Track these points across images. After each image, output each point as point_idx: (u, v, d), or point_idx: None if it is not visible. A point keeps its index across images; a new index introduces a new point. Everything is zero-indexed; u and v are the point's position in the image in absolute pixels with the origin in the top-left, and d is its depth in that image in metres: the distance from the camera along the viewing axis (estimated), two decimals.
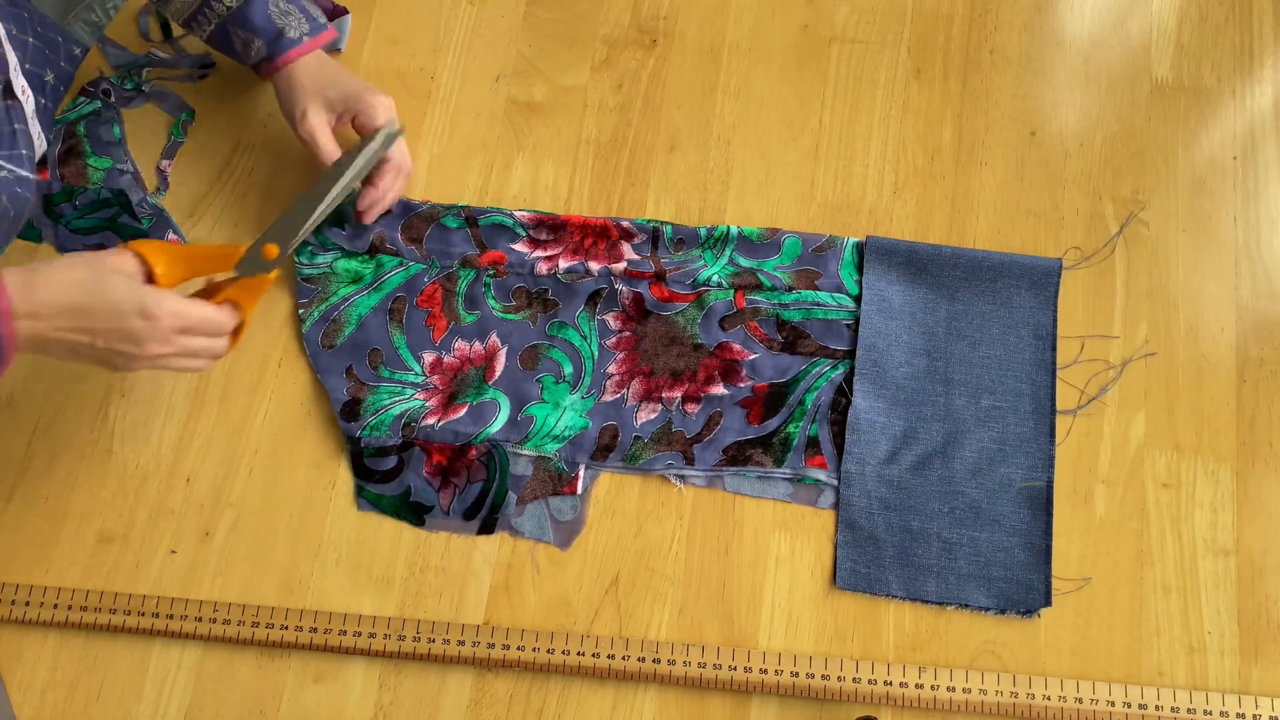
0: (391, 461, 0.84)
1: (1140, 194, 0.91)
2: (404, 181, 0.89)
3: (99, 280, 0.68)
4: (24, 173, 0.75)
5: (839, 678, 0.79)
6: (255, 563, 0.83)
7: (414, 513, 0.83)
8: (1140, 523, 0.82)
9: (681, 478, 0.84)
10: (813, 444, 0.84)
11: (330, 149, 0.85)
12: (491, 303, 0.88)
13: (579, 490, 0.83)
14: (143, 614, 0.81)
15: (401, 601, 0.82)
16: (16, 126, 0.75)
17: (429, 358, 0.87)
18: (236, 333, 0.76)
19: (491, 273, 0.89)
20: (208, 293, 0.77)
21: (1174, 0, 0.97)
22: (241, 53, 0.87)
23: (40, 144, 0.82)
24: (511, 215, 0.90)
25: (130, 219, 0.90)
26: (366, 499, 0.84)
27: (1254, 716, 0.77)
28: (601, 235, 0.90)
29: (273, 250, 0.77)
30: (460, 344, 0.87)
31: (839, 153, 0.93)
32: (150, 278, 0.72)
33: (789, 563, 0.82)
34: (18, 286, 0.65)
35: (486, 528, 0.83)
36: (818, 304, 0.87)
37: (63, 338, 0.68)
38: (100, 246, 0.89)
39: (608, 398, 0.86)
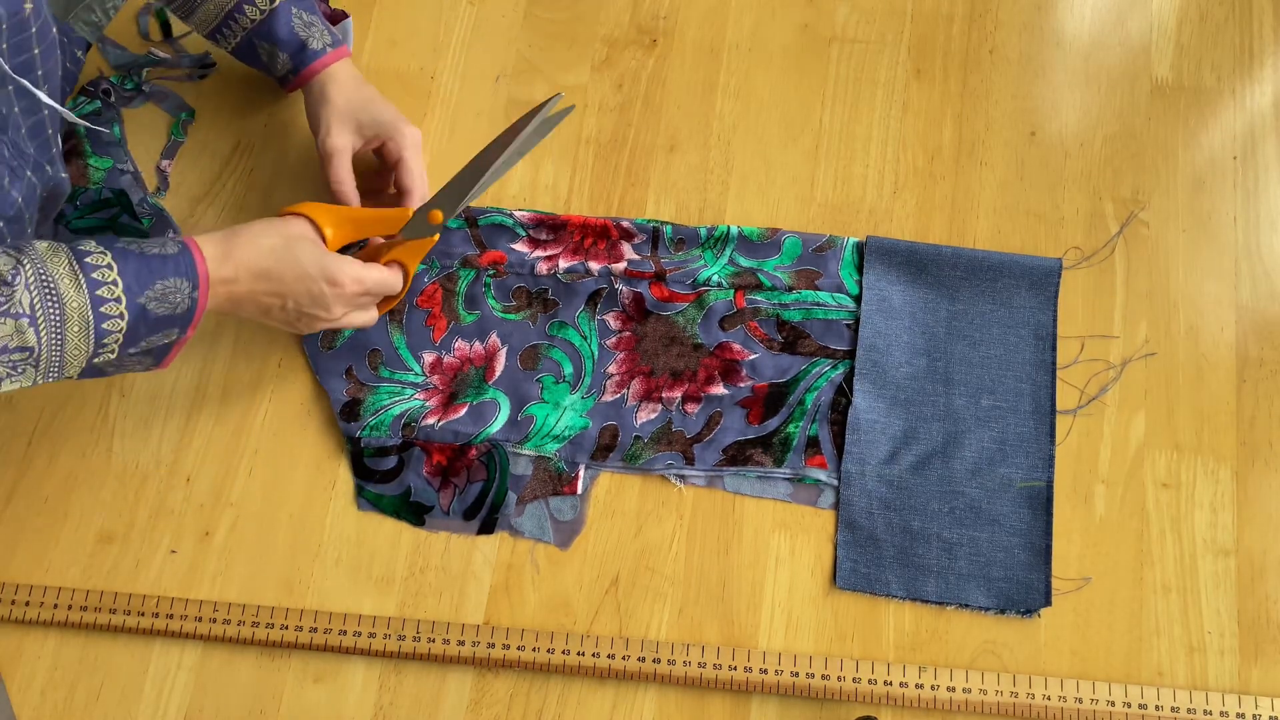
0: (391, 461, 0.84)
1: (1140, 194, 0.91)
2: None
3: (288, 248, 0.74)
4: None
5: (839, 678, 0.79)
6: (255, 563, 0.83)
7: (414, 513, 0.83)
8: (1140, 523, 0.82)
9: (681, 478, 0.84)
10: (813, 444, 0.84)
11: (343, 173, 0.84)
12: (491, 303, 0.88)
13: (579, 490, 0.83)
14: (143, 614, 0.81)
15: (401, 601, 0.82)
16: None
17: (429, 358, 0.87)
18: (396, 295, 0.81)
19: (491, 273, 0.89)
20: (369, 252, 0.80)
21: (1174, 0, 0.97)
22: (268, 64, 0.87)
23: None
24: (511, 215, 0.90)
25: (130, 219, 0.90)
26: (366, 499, 0.84)
27: (1254, 716, 0.77)
28: (601, 235, 0.90)
29: (438, 216, 0.79)
30: (460, 344, 0.87)
31: (839, 153, 0.93)
32: (322, 239, 0.77)
33: (789, 563, 0.82)
34: (214, 255, 0.71)
35: (486, 528, 0.83)
36: (818, 304, 0.87)
37: (257, 299, 0.74)
38: None
39: (608, 398, 0.86)
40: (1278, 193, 0.91)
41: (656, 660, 0.79)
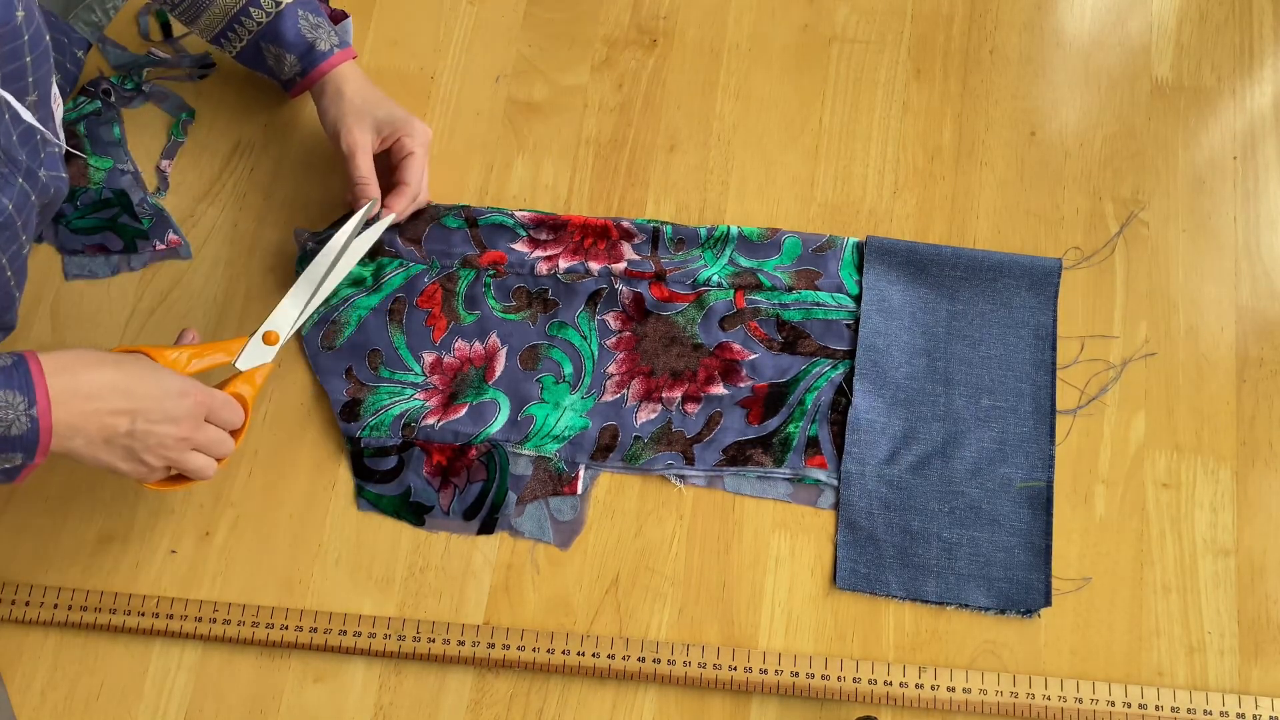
0: (391, 462, 0.84)
1: (1140, 194, 0.91)
2: (414, 208, 0.88)
3: (136, 361, 0.69)
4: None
5: (839, 678, 0.79)
6: (255, 563, 0.83)
7: (414, 513, 0.83)
8: (1140, 523, 0.82)
9: (681, 478, 0.84)
10: (812, 444, 0.84)
11: (366, 169, 0.84)
12: (491, 303, 0.88)
13: (579, 490, 0.83)
14: (143, 614, 0.81)
15: (401, 601, 0.82)
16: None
17: (429, 358, 0.87)
18: (238, 431, 0.76)
19: (491, 273, 0.89)
20: None
21: (1174, 0, 0.97)
22: (274, 68, 0.87)
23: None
24: (512, 215, 0.90)
25: (130, 219, 0.90)
26: (366, 499, 0.84)
27: (1254, 716, 0.77)
28: (601, 235, 0.90)
29: (274, 337, 0.79)
30: (460, 344, 0.87)
31: (839, 153, 0.93)
32: None
33: (789, 563, 0.82)
34: (55, 368, 0.64)
35: (486, 528, 0.83)
36: (818, 304, 0.87)
37: (102, 418, 0.66)
38: (101, 247, 0.90)
39: (608, 398, 0.86)
40: (1278, 193, 0.91)
41: (656, 660, 0.79)
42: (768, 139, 0.93)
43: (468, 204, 0.91)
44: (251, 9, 0.84)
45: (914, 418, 0.85)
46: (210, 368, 0.76)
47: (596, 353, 0.87)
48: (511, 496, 0.83)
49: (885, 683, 0.78)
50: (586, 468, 0.84)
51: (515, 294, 0.88)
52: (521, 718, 0.79)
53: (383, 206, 0.85)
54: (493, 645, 0.80)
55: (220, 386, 0.76)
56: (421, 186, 0.87)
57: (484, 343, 0.87)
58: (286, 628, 0.81)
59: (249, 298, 0.89)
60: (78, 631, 0.81)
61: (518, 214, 0.90)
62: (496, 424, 0.85)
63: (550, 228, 0.90)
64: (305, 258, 0.87)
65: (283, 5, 0.84)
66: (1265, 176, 0.91)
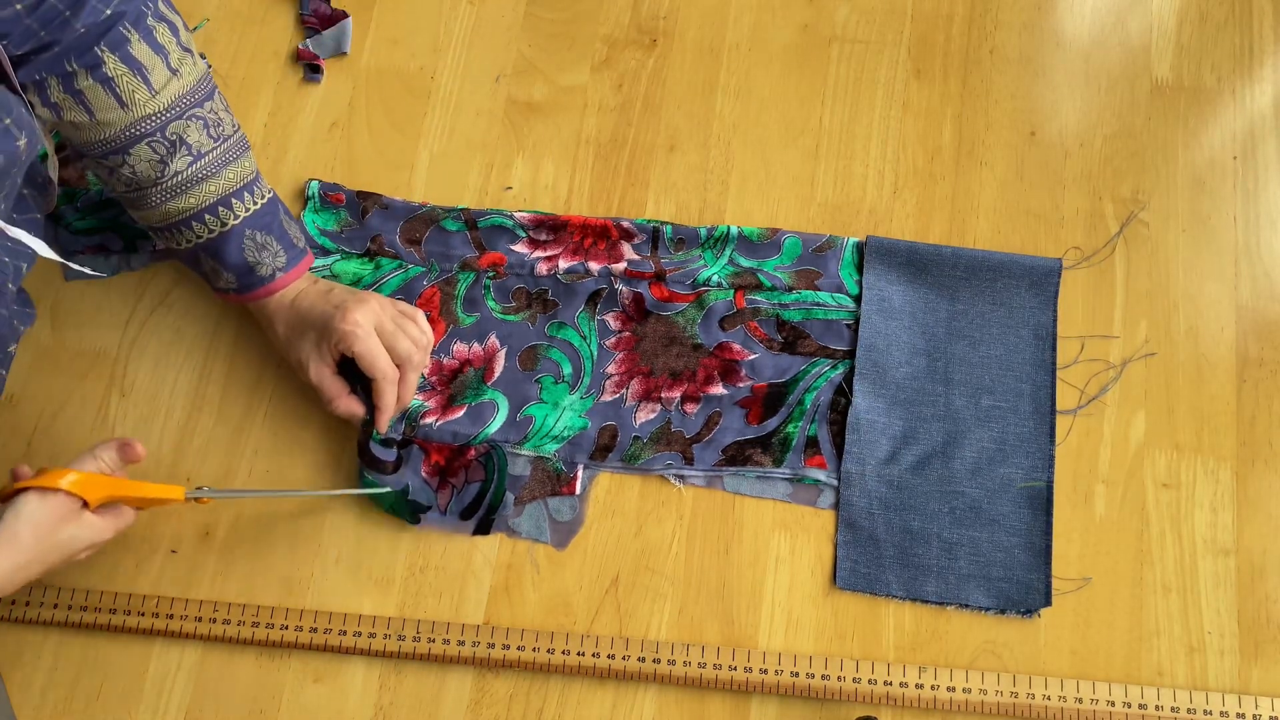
0: (393, 454, 0.83)
1: (1140, 194, 0.91)
2: (401, 408, 0.84)
3: (47, 562, 0.71)
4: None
5: (839, 678, 0.79)
6: (255, 563, 0.83)
7: (410, 511, 0.83)
8: (1140, 523, 0.82)
9: (681, 478, 0.84)
10: (812, 444, 0.84)
11: (341, 398, 0.81)
12: (491, 304, 0.88)
13: (578, 490, 0.83)
14: (143, 614, 0.81)
15: (401, 601, 0.82)
16: None
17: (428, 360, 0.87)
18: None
19: (491, 274, 0.89)
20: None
21: (1174, 0, 0.97)
22: (209, 275, 0.82)
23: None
24: (511, 216, 0.90)
25: (130, 220, 0.90)
26: (365, 484, 0.83)
27: (1254, 716, 0.77)
28: (601, 235, 0.90)
29: (206, 501, 0.78)
30: (459, 346, 0.87)
31: (839, 153, 0.93)
32: (84, 505, 0.72)
33: (789, 563, 0.82)
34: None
35: (483, 528, 0.83)
36: (818, 304, 0.87)
37: (22, 587, 0.72)
38: (101, 247, 0.89)
39: (606, 398, 0.86)
40: (1278, 193, 0.91)
41: (656, 660, 0.79)
42: (768, 139, 0.93)
43: (467, 205, 0.91)
44: (194, 222, 0.78)
45: (914, 418, 0.85)
46: (134, 504, 0.76)
47: (596, 353, 0.87)
48: (509, 497, 0.83)
49: (885, 683, 0.78)
50: (585, 468, 0.84)
51: (515, 295, 0.88)
52: (521, 718, 0.79)
53: (370, 423, 0.82)
54: (493, 645, 0.80)
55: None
56: (400, 398, 0.82)
57: (483, 344, 0.87)
58: (286, 628, 0.81)
59: None
60: (78, 631, 0.81)
61: (517, 215, 0.90)
62: (495, 424, 0.85)
63: (550, 228, 0.90)
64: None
65: (229, 226, 0.78)
66: (1265, 176, 0.91)
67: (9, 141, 0.63)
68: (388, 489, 0.81)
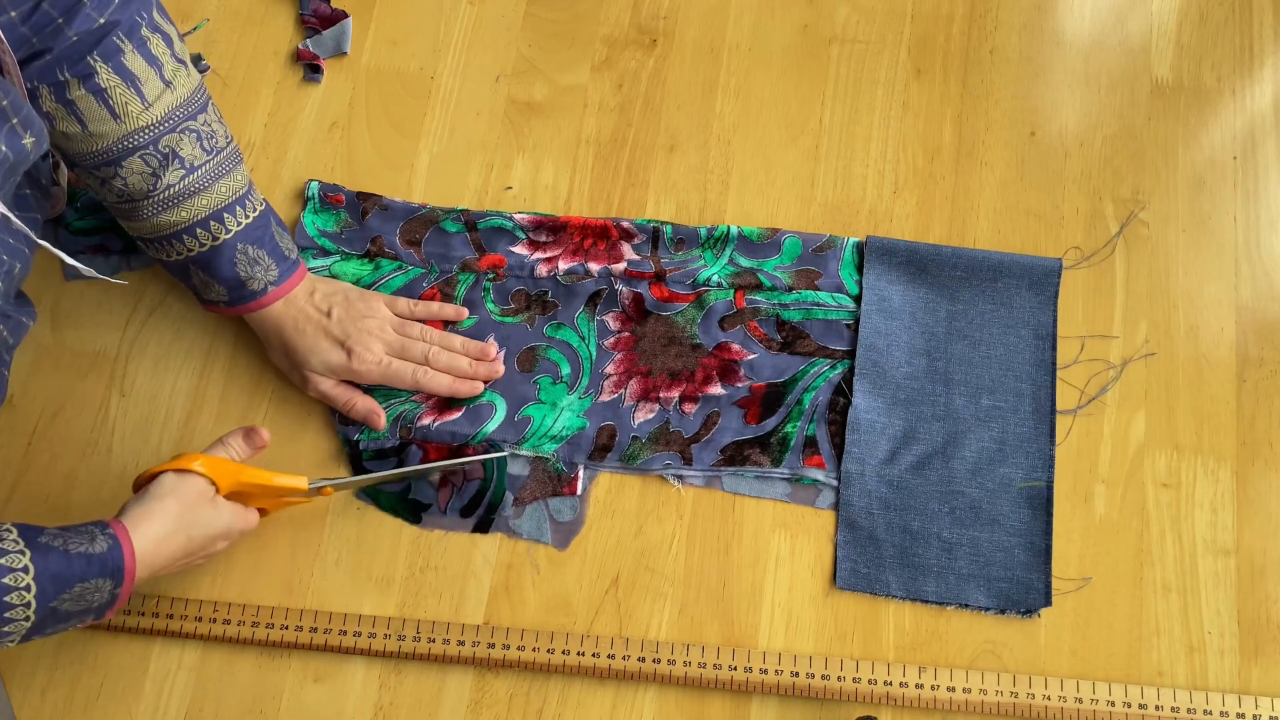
0: (390, 465, 0.84)
1: (1140, 194, 0.91)
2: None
3: (193, 528, 0.73)
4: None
5: (839, 678, 0.79)
6: (255, 563, 0.83)
7: (411, 510, 0.83)
8: (1140, 523, 0.82)
9: (679, 478, 0.84)
10: (810, 444, 0.84)
11: (348, 397, 0.83)
12: (490, 306, 0.88)
13: (578, 491, 0.83)
14: (143, 614, 0.81)
15: (401, 601, 0.82)
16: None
17: None
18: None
19: (491, 276, 0.89)
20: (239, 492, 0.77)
21: (1174, 0, 0.97)
22: (198, 288, 0.82)
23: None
24: (511, 218, 0.90)
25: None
26: (365, 492, 0.84)
27: (1254, 716, 0.77)
28: (601, 236, 0.90)
29: (329, 491, 0.80)
30: None
31: (839, 153, 0.93)
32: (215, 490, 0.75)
33: (789, 563, 0.82)
34: (142, 553, 0.70)
35: (482, 526, 0.83)
36: (818, 304, 0.87)
37: (162, 570, 0.73)
38: (101, 247, 0.89)
39: (605, 398, 0.86)
40: (1278, 193, 0.91)
41: (656, 660, 0.79)
42: (768, 139, 0.93)
43: (467, 207, 0.91)
44: (185, 236, 0.78)
45: (914, 418, 0.85)
46: (261, 501, 0.79)
47: (594, 353, 0.87)
48: (509, 496, 0.83)
49: (885, 683, 0.78)
50: (585, 468, 0.84)
51: (515, 297, 0.88)
52: (521, 718, 0.79)
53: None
54: (493, 645, 0.80)
55: (252, 495, 0.78)
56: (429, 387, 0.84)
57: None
58: (286, 628, 0.81)
59: None
60: (78, 631, 0.81)
61: (517, 217, 0.90)
62: (493, 424, 0.85)
63: (550, 229, 0.90)
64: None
65: (220, 240, 0.78)
66: (1265, 176, 0.91)
67: (15, 140, 0.63)
68: (505, 454, 0.83)
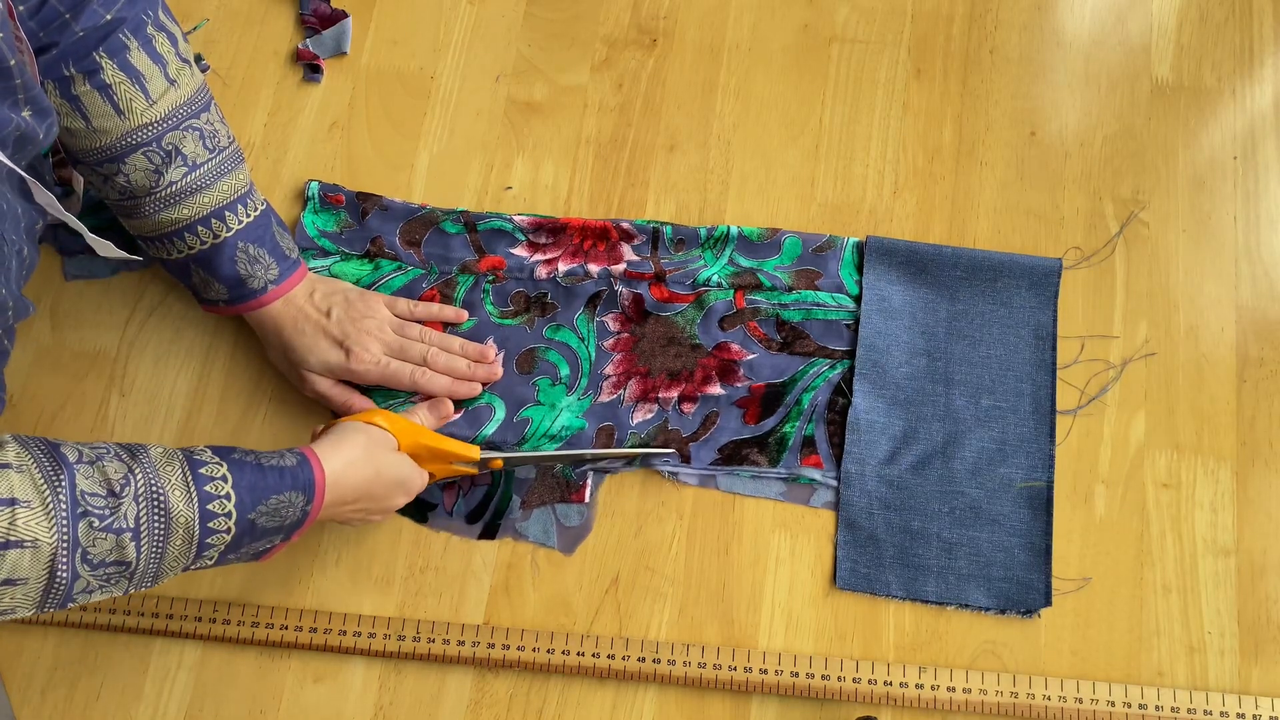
0: None
1: (1140, 194, 0.91)
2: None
3: (382, 470, 0.74)
4: None
5: (839, 678, 0.79)
6: (255, 563, 0.83)
7: (417, 509, 0.83)
8: (1140, 523, 0.82)
9: (675, 474, 0.84)
10: (808, 444, 0.84)
11: (346, 397, 0.83)
12: (489, 308, 0.88)
13: (586, 499, 0.83)
14: (143, 614, 0.81)
15: (401, 601, 0.82)
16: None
17: None
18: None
19: (490, 278, 0.89)
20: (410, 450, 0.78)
21: (1174, 0, 0.97)
22: (198, 287, 0.82)
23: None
24: (510, 220, 0.90)
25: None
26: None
27: (1254, 716, 0.77)
28: (601, 237, 0.90)
29: (498, 464, 0.81)
30: None
31: (839, 153, 0.93)
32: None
33: (789, 563, 0.82)
34: (331, 471, 0.71)
35: (489, 533, 0.83)
36: (818, 304, 0.87)
37: (344, 514, 0.74)
38: None
39: (604, 398, 0.86)
40: (1278, 193, 0.91)
41: (656, 660, 0.79)
42: (768, 139, 0.93)
43: (467, 208, 0.91)
44: (187, 234, 0.78)
45: (914, 418, 0.85)
46: (433, 466, 0.79)
47: (593, 354, 0.87)
48: (516, 501, 0.83)
49: (885, 683, 0.78)
50: (593, 473, 0.84)
51: (514, 299, 0.88)
52: (521, 718, 0.79)
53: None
54: (493, 645, 0.80)
55: (421, 457, 0.78)
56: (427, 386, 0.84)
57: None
58: (286, 628, 0.81)
59: None
60: (78, 631, 0.81)
61: (517, 218, 0.90)
62: (492, 425, 0.85)
63: (550, 231, 0.90)
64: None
65: (222, 238, 0.78)
66: (1265, 176, 0.91)
67: (26, 118, 0.64)
68: (670, 451, 0.83)
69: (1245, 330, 0.87)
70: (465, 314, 0.87)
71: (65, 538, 0.58)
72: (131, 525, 0.61)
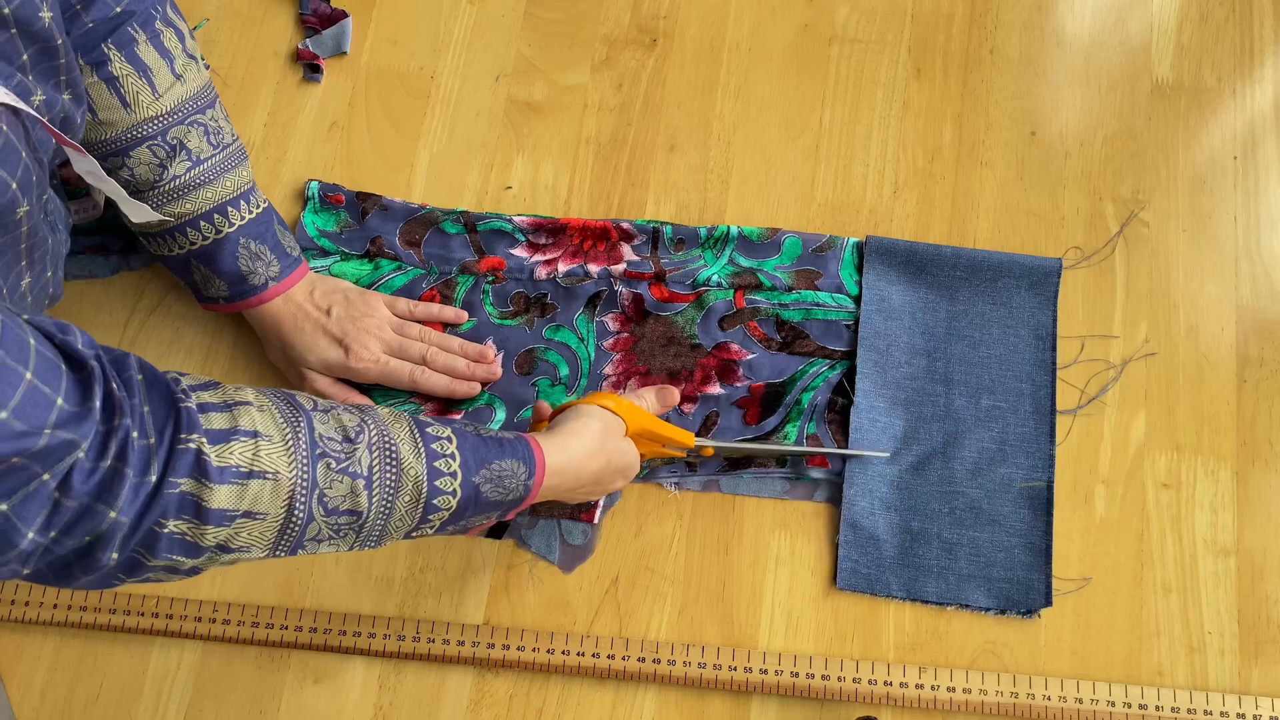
0: None
1: (1140, 194, 0.91)
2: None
3: (610, 456, 0.73)
4: None
5: (839, 678, 0.79)
6: (255, 563, 0.83)
7: None
8: (1140, 523, 0.82)
9: (677, 484, 0.84)
10: (811, 442, 0.84)
11: (340, 398, 0.82)
12: (489, 309, 0.88)
13: (596, 519, 0.83)
14: (143, 614, 0.81)
15: (401, 601, 0.82)
16: None
17: None
18: None
19: (490, 279, 0.89)
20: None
21: (1174, 0, 0.97)
22: (198, 284, 0.82)
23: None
24: (510, 220, 0.90)
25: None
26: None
27: (1254, 716, 0.77)
28: (601, 237, 0.90)
29: (709, 451, 0.81)
30: None
31: (839, 153, 0.93)
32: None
33: (789, 563, 0.82)
34: (551, 449, 0.69)
35: (495, 532, 0.83)
36: (818, 304, 0.87)
37: (567, 494, 0.73)
38: (101, 246, 0.89)
39: None
40: (1278, 193, 0.91)
41: (656, 660, 0.79)
42: (768, 139, 0.93)
43: (466, 208, 0.91)
44: (189, 228, 0.78)
45: (914, 418, 0.85)
46: (651, 451, 0.79)
47: (593, 354, 0.87)
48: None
49: (885, 683, 0.78)
50: (605, 497, 0.83)
51: (514, 299, 0.88)
52: (521, 718, 0.79)
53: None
54: (493, 645, 0.80)
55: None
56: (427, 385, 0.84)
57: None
58: (286, 628, 0.81)
59: None
60: (78, 631, 0.81)
61: (516, 219, 0.90)
62: (493, 426, 0.85)
63: (550, 231, 0.90)
64: None
65: (224, 233, 0.78)
66: (1265, 176, 0.91)
67: (65, 99, 0.65)
68: (885, 452, 0.83)
69: (1245, 330, 0.87)
70: (465, 315, 0.87)
71: (305, 476, 0.57)
72: (365, 473, 0.60)
